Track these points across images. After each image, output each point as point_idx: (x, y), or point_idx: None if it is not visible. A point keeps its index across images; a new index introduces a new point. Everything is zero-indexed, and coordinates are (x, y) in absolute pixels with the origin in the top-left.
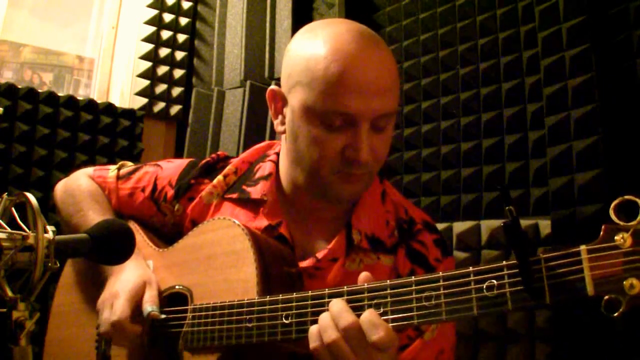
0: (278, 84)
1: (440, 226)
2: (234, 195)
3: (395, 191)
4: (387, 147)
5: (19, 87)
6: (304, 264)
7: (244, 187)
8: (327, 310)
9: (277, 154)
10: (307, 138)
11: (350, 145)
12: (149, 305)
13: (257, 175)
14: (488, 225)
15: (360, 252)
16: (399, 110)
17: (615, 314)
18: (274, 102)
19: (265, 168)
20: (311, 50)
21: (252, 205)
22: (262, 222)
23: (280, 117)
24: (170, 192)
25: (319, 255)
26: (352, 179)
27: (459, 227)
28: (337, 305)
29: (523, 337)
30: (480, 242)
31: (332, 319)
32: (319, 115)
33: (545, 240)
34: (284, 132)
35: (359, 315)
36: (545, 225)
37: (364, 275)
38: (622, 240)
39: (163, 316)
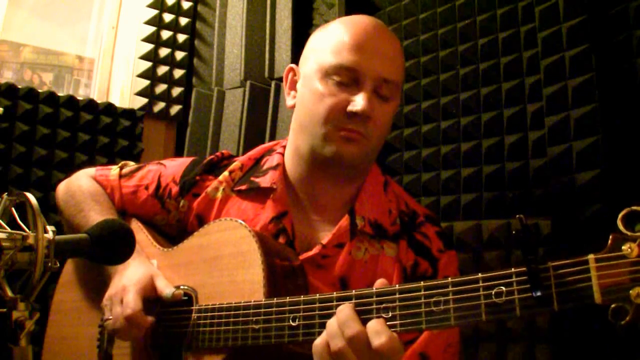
0: (278, 83)
1: None
2: (243, 187)
3: (397, 185)
4: (388, 121)
5: (19, 87)
6: (310, 253)
7: (252, 178)
8: (335, 314)
9: (284, 146)
10: (315, 95)
11: (352, 99)
12: (168, 290)
13: (266, 166)
14: (488, 225)
15: (364, 239)
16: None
17: (622, 322)
18: (290, 77)
19: (273, 159)
20: (326, 27)
21: (260, 195)
22: (269, 212)
23: (292, 92)
24: (175, 189)
25: (324, 240)
26: (350, 137)
27: (459, 227)
28: (344, 313)
29: (523, 337)
30: (481, 242)
31: (339, 327)
32: (327, 71)
33: (545, 240)
34: (293, 106)
35: (367, 320)
36: (545, 225)
37: (380, 281)
38: (629, 250)
39: (186, 298)
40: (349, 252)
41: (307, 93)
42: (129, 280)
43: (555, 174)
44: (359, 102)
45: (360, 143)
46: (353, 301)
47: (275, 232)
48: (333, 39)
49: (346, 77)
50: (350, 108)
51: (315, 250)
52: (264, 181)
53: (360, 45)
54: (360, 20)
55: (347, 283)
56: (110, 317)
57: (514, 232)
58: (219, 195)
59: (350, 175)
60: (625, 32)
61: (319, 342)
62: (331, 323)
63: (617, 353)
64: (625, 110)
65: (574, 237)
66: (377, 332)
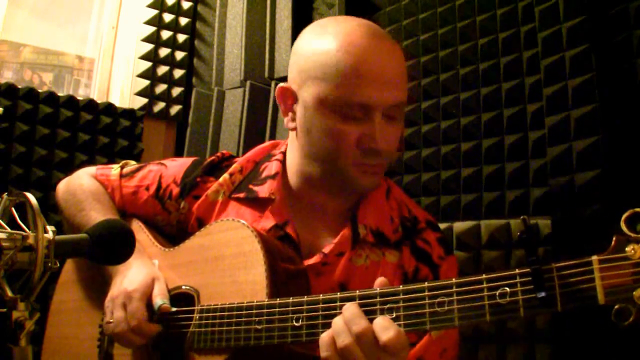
0: (278, 83)
1: (440, 226)
2: (241, 195)
3: (399, 189)
4: (398, 137)
5: (19, 87)
6: (310, 260)
7: (251, 186)
8: (340, 313)
9: (283, 153)
10: (321, 131)
11: (365, 135)
12: (160, 299)
13: (264, 174)
14: (488, 225)
15: (366, 246)
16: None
17: (625, 323)
18: (284, 100)
19: (271, 167)
20: (323, 45)
21: (258, 204)
22: (269, 221)
23: (290, 114)
24: (176, 190)
25: (326, 250)
26: (369, 170)
27: (459, 227)
28: (350, 310)
29: (523, 337)
30: (481, 242)
31: (345, 324)
32: (334, 107)
33: (545, 240)
34: (294, 128)
35: (371, 320)
36: (545, 225)
37: (380, 280)
38: (632, 251)
39: (174, 309)
40: (349, 259)
41: (310, 124)
42: (131, 283)
43: (555, 174)
44: (375, 139)
45: (380, 171)
46: (357, 301)
47: (277, 238)
48: (335, 68)
49: (357, 112)
50: (368, 145)
51: (316, 258)
52: (262, 191)
53: (370, 78)
54: (358, 39)
55: (346, 289)
56: (111, 321)
57: (518, 233)
58: (220, 198)
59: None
60: (625, 32)
61: (325, 335)
62: (337, 321)
63: (617, 353)
64: (625, 110)
65: (574, 237)
66: (385, 327)
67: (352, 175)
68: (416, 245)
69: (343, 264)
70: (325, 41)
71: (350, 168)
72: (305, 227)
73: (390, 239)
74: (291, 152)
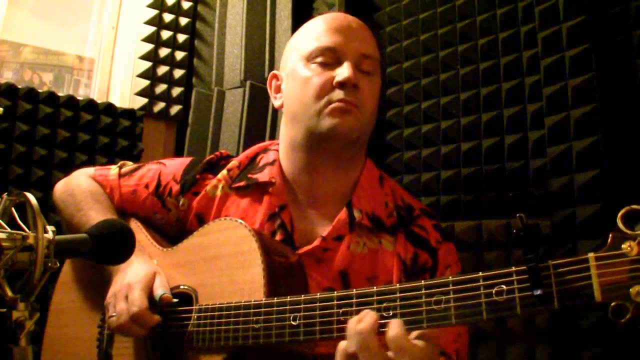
0: None
1: None
2: (241, 184)
3: (392, 180)
4: (374, 95)
5: (19, 87)
6: (310, 246)
7: (250, 175)
8: (337, 312)
9: (279, 144)
10: (301, 81)
11: (337, 74)
12: (161, 290)
13: (262, 163)
14: (488, 225)
15: (363, 232)
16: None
17: (622, 320)
18: (274, 83)
19: (269, 156)
20: (300, 29)
21: (257, 191)
22: (268, 207)
23: (278, 94)
24: (176, 187)
25: (324, 233)
26: (343, 108)
27: (460, 226)
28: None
29: (523, 337)
30: (481, 242)
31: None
32: (309, 56)
33: (545, 240)
34: (281, 105)
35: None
36: (545, 225)
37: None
38: (629, 248)
39: (175, 300)
40: (348, 246)
41: (293, 84)
42: (133, 277)
43: (555, 174)
44: (344, 71)
45: (353, 113)
46: (354, 300)
47: (275, 227)
48: (310, 30)
49: (328, 58)
50: (337, 79)
51: (315, 243)
52: (262, 176)
53: (336, 28)
54: (332, 13)
55: (347, 277)
56: (114, 314)
57: (514, 230)
58: (218, 193)
59: (348, 155)
60: (625, 32)
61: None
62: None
63: (617, 353)
64: (625, 110)
65: (574, 237)
66: (401, 348)
67: (325, 113)
68: (412, 231)
69: (342, 251)
70: (304, 24)
71: (324, 107)
72: (301, 215)
73: (385, 223)
74: (282, 135)
